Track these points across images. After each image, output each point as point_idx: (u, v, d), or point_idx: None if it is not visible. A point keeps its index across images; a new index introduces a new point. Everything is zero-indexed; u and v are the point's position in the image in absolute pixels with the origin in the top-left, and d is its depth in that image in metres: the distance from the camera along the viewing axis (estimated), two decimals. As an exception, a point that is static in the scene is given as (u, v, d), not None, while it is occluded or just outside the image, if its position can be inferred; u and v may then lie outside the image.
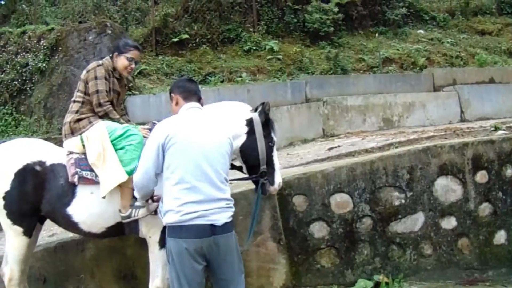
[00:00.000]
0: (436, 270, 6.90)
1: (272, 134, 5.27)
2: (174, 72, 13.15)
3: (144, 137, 5.26)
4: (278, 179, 5.27)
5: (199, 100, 4.79)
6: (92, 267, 6.15)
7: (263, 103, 5.32)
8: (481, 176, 7.16)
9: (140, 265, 5.56)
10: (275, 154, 5.32)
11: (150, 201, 5.05)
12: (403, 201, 6.86)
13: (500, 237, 7.17)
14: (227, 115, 5.25)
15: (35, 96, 11.29)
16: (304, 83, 11.91)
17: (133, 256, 6.01)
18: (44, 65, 11.30)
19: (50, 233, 6.55)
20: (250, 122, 5.23)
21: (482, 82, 13.75)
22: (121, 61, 5.52)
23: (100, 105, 5.28)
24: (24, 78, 11.35)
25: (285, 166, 7.69)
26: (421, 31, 17.86)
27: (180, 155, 4.34)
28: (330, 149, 8.86)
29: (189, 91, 4.78)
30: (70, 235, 5.99)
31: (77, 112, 5.35)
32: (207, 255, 4.28)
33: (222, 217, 4.28)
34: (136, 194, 4.84)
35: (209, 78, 12.86)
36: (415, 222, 6.90)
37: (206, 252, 4.25)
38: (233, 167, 5.44)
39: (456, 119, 12.40)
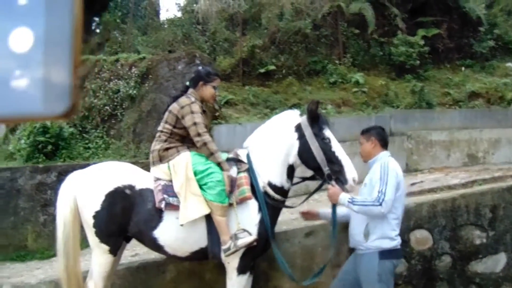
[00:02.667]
0: (516, 313, 6.80)
1: (324, 130, 5.29)
2: (260, 103, 13.34)
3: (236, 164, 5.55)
4: (350, 175, 5.19)
5: None
6: None
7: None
8: None
9: (217, 290, 5.63)
10: (338, 149, 5.27)
11: (246, 233, 5.27)
12: (484, 240, 6.79)
13: None
14: (279, 128, 5.49)
15: (125, 121, 11.68)
16: (388, 116, 11.92)
17: (211, 280, 6.23)
18: (134, 92, 11.67)
19: (133, 253, 6.81)
20: (298, 127, 5.36)
21: None
22: (208, 91, 5.71)
23: (199, 135, 5.42)
24: (115, 103, 11.74)
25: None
26: (510, 64, 17.44)
27: (401, 197, 5.40)
28: (412, 184, 8.83)
29: (387, 141, 5.58)
30: (152, 256, 6.26)
31: (165, 141, 5.55)
32: None
33: None
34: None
35: (295, 109, 12.99)
36: (497, 262, 6.81)
37: None
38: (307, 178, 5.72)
39: (544, 157, 12.09)
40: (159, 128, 5.67)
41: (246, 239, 5.26)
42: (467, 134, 11.61)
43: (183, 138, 5.56)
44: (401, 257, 5.59)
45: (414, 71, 15.61)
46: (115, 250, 5.60)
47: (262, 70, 14.70)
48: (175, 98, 5.71)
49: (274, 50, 15.48)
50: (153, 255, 6.16)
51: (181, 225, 5.29)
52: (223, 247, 5.30)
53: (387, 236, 5.29)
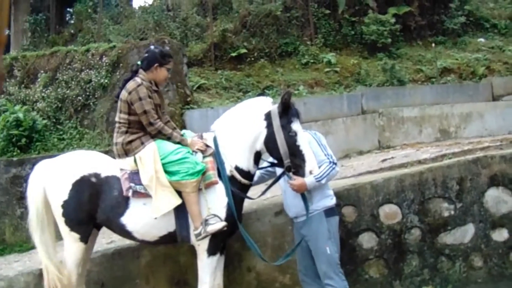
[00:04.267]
0: (487, 283, 6.82)
1: (293, 124, 5.34)
2: (232, 86, 13.35)
3: (200, 150, 5.54)
4: (309, 168, 5.24)
5: None
6: (147, 273, 6.47)
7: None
8: (534, 187, 7.07)
9: (193, 273, 5.73)
10: (302, 143, 5.33)
11: (216, 218, 5.35)
12: (452, 212, 6.84)
13: (554, 250, 7.05)
14: (249, 114, 5.55)
15: (98, 110, 11.62)
16: (360, 95, 11.93)
17: (186, 263, 6.26)
18: (106, 81, 11.61)
19: (109, 240, 6.85)
20: (268, 116, 5.42)
21: (545, 91, 13.44)
22: (163, 73, 5.71)
23: (151, 124, 5.45)
24: (87, 93, 11.66)
25: (337, 178, 7.75)
26: (482, 39, 17.53)
27: None
28: (383, 160, 8.88)
29: None
30: (127, 242, 6.29)
31: (126, 132, 5.54)
32: None
33: None
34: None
35: (267, 91, 13.00)
36: (465, 233, 6.86)
37: None
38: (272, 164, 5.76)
39: (516, 130, 12.15)
40: (116, 118, 5.64)
41: (216, 225, 5.32)
42: (439, 109, 11.65)
43: (143, 125, 5.52)
44: (338, 215, 5.89)
45: (386, 49, 15.69)
46: (86, 238, 5.62)
47: (234, 54, 14.71)
48: (125, 81, 5.66)
49: (245, 33, 15.49)
50: (128, 241, 6.18)
51: (155, 218, 5.34)
52: (195, 232, 5.36)
53: (328, 195, 5.66)
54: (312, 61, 14.72)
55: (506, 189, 6.99)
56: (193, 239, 5.46)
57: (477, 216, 6.89)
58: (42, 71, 12.30)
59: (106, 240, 6.81)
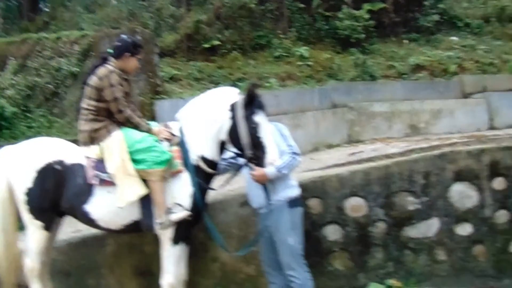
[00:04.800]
0: (450, 276, 6.88)
1: (256, 116, 5.37)
2: (204, 78, 13.31)
3: (166, 139, 5.53)
4: (269, 159, 5.27)
5: None
6: (112, 262, 6.44)
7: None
8: (499, 183, 7.09)
9: (157, 262, 5.68)
10: (265, 135, 5.35)
11: (179, 207, 5.38)
12: (417, 206, 6.87)
13: (517, 245, 7.12)
14: (214, 104, 5.55)
15: (68, 99, 11.53)
16: (331, 89, 11.95)
17: (151, 253, 6.18)
18: (77, 69, 11.54)
19: (75, 229, 6.70)
20: (233, 107, 5.43)
21: (515, 90, 13.53)
22: (133, 63, 5.68)
23: (120, 111, 5.43)
24: (57, 81, 11.58)
25: (304, 170, 7.75)
26: (455, 38, 17.64)
27: None
28: (351, 154, 8.90)
29: None
30: (93, 231, 6.20)
31: (93, 120, 5.49)
32: None
33: None
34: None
35: (239, 83, 12.95)
36: (430, 227, 6.90)
37: None
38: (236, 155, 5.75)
39: (484, 127, 12.23)
40: (84, 105, 5.54)
41: (179, 214, 5.35)
42: (409, 105, 11.71)
43: (110, 113, 5.48)
44: (303, 206, 5.89)
45: (359, 45, 15.73)
46: (49, 226, 5.59)
47: (206, 45, 14.64)
48: (95, 67, 5.59)
49: (219, 25, 15.42)
50: (94, 231, 6.11)
51: (120, 207, 5.34)
52: (158, 221, 5.36)
53: (291, 185, 5.67)
54: (285, 54, 14.71)
55: (471, 184, 7.03)
56: (157, 228, 5.45)
57: (442, 210, 6.93)
58: (12, 58, 12.13)
59: (72, 229, 6.67)
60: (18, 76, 11.81)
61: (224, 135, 5.51)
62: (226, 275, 6.56)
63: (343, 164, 8.02)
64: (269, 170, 5.36)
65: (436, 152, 7.35)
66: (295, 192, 5.71)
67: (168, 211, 5.34)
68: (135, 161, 5.33)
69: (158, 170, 5.29)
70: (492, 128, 12.27)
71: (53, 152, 5.56)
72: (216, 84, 12.72)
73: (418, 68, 14.92)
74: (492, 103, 12.53)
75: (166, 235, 5.50)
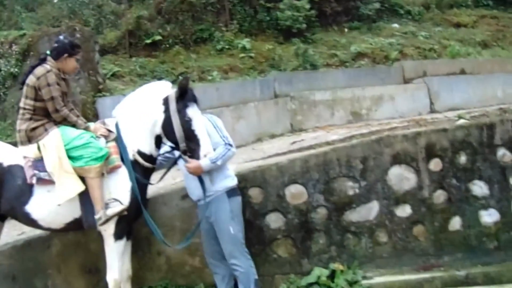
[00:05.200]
0: (391, 257, 6.97)
1: (189, 109, 5.49)
2: (147, 73, 13.25)
3: (103, 135, 5.58)
4: (203, 152, 5.38)
5: None
6: (59, 262, 6.42)
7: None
8: (435, 164, 7.20)
9: (103, 259, 5.71)
10: (198, 128, 5.47)
11: (116, 202, 5.45)
12: (357, 190, 6.94)
13: (455, 223, 7.19)
14: (148, 99, 5.67)
15: (9, 100, 11.36)
16: (272, 79, 11.97)
17: (97, 250, 6.16)
18: (16, 70, 11.37)
19: (20, 232, 6.73)
20: (166, 101, 5.54)
21: (453, 74, 13.77)
22: (72, 63, 5.75)
23: (56, 111, 5.47)
24: (-3, 83, 11.41)
25: (246, 161, 7.81)
26: (396, 25, 17.90)
27: None
28: (293, 143, 8.97)
29: None
30: (37, 232, 6.22)
31: (30, 119, 5.50)
32: None
33: None
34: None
35: (181, 78, 12.90)
36: (370, 210, 6.98)
37: None
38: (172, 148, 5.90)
39: (425, 111, 12.45)
40: (21, 104, 5.58)
41: (115, 209, 5.41)
42: (350, 92, 11.83)
43: (48, 112, 5.51)
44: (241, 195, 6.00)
45: (301, 35, 15.80)
46: (-11, 229, 5.54)
47: (148, 41, 14.57)
48: (33, 68, 5.63)
49: (160, 20, 15.37)
50: (39, 232, 6.16)
51: (59, 204, 5.36)
52: (96, 216, 5.39)
53: (228, 175, 5.75)
54: (227, 47, 14.71)
55: (409, 166, 7.13)
56: (97, 224, 5.48)
57: (381, 194, 7.01)
58: (-52, 59, 11.90)
59: (17, 232, 6.71)
60: (-45, 78, 11.58)
61: (159, 129, 5.61)
62: (172, 268, 6.60)
63: (284, 153, 8.10)
64: (204, 162, 5.45)
65: (373, 137, 7.45)
66: (232, 182, 5.79)
67: (105, 206, 5.38)
68: (72, 158, 5.36)
69: (95, 166, 5.33)
70: (433, 111, 12.52)
71: None
72: (159, 79, 12.62)
73: (360, 55, 15.09)
74: (432, 87, 12.77)
75: (107, 231, 5.55)
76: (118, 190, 5.50)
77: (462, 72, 13.96)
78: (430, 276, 6.62)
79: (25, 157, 5.47)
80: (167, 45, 14.60)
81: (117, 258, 5.60)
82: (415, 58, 15.22)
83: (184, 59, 13.91)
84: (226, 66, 13.69)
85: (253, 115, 10.66)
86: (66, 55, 5.63)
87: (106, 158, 5.43)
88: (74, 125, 5.57)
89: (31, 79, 5.47)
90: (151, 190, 6.06)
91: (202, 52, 14.63)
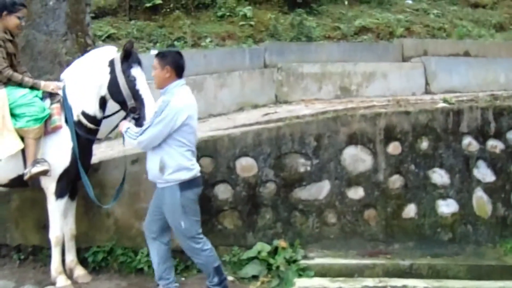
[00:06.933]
0: (339, 240, 6.99)
1: (133, 69, 5.73)
2: (144, 37, 13.14)
3: (51, 94, 5.89)
4: (149, 111, 5.58)
5: None
6: (17, 217, 6.81)
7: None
8: (394, 148, 7.14)
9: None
10: (142, 87, 5.72)
11: (45, 162, 5.69)
12: (308, 168, 6.94)
13: (410, 210, 7.16)
14: (94, 61, 5.89)
15: (-1, 59, 11.37)
16: (263, 49, 11.76)
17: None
18: (7, 29, 11.36)
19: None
20: (112, 63, 5.76)
21: (457, 55, 13.35)
22: (12, 21, 5.86)
23: (0, 72, 5.64)
24: (-15, 41, 11.41)
25: (212, 129, 7.77)
26: (409, 1, 17.49)
27: (191, 129, 5.48)
28: (265, 114, 8.87)
29: (183, 68, 5.55)
30: (-1, 188, 6.44)
31: None
32: None
33: None
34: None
35: (177, 42, 12.82)
36: (320, 190, 6.98)
37: None
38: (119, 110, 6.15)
39: (420, 91, 12.12)
40: None
41: (39, 168, 5.61)
42: (340, 67, 11.55)
43: None
44: (201, 185, 5.78)
45: (308, 5, 15.46)
46: None
47: (148, 4, 14.36)
48: None
49: (162, -17, 15.12)
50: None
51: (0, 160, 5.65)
52: (24, 171, 5.64)
53: (184, 167, 5.49)
54: (228, 14, 14.48)
55: (365, 148, 7.09)
56: (42, 182, 5.85)
57: (333, 173, 7.00)
58: None
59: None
60: None
61: (104, 91, 5.87)
62: (119, 230, 6.77)
63: (251, 124, 8.00)
64: (124, 126, 5.63)
65: (329, 115, 7.35)
66: (187, 174, 5.49)
67: (33, 163, 5.59)
68: (15, 115, 5.60)
69: (34, 128, 5.57)
70: (428, 92, 12.18)
71: None
72: (155, 43, 12.66)
73: (364, 30, 14.75)
74: (429, 67, 12.39)
75: (50, 190, 5.88)
76: (59, 150, 5.75)
77: (466, 54, 13.50)
78: (372, 263, 6.60)
79: None
80: (168, 10, 14.41)
81: (58, 216, 5.93)
82: (422, 37, 14.82)
83: (183, 24, 13.73)
84: (224, 33, 13.50)
85: (237, 84, 10.50)
86: (5, 12, 5.76)
87: (48, 119, 5.67)
88: (20, 84, 5.76)
89: None
90: (106, 154, 6.46)
91: (202, 18, 14.42)
